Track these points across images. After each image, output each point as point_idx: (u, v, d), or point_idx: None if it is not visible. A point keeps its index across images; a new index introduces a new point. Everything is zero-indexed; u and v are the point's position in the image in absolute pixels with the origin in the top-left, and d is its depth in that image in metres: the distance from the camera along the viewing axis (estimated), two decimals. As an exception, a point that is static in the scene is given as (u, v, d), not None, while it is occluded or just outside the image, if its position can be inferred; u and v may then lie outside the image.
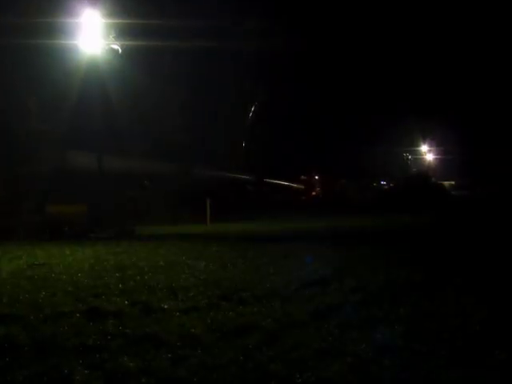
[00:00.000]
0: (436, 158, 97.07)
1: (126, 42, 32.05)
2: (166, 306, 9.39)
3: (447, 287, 10.35)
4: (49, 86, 36.99)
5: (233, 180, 61.85)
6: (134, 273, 13.15)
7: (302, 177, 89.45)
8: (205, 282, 11.64)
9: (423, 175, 72.80)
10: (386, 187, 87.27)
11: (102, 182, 32.13)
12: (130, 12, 34.89)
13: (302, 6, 65.43)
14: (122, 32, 31.35)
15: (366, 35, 75.25)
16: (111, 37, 30.30)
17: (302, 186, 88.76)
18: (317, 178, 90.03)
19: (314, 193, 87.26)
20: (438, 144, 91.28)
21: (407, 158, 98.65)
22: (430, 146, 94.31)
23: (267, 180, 73.78)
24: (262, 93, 65.50)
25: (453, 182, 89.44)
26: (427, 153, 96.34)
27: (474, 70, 77.98)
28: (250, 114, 66.79)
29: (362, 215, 40.38)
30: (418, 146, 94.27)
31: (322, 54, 72.80)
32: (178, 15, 43.43)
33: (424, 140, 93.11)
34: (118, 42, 30.52)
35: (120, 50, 30.81)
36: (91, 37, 29.74)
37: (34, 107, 39.06)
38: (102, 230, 26.91)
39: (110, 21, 30.40)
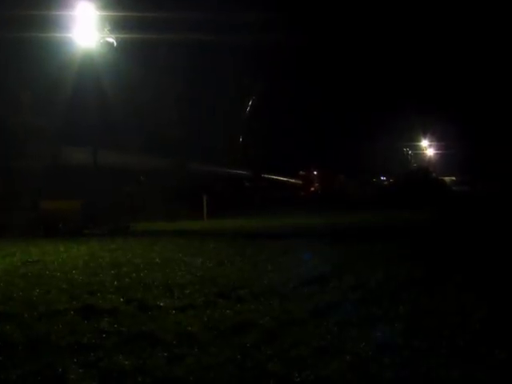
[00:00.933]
0: (437, 153, 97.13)
1: (122, 35, 32.03)
2: (161, 304, 9.39)
3: (447, 284, 10.36)
4: (43, 80, 36.96)
5: (230, 175, 61.81)
6: (129, 270, 13.16)
7: (301, 172, 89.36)
8: (201, 280, 11.64)
9: (423, 170, 72.76)
10: (386, 183, 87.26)
11: (96, 177, 32.14)
12: (125, 4, 34.84)
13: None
14: (117, 25, 31.33)
15: (366, 30, 75.30)
16: (106, 30, 30.29)
17: (301, 182, 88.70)
18: (316, 173, 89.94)
19: (312, 188, 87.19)
20: (439, 139, 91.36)
21: (407, 153, 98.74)
22: (431, 140, 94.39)
23: (265, 175, 73.73)
24: (260, 85, 65.47)
25: (454, 178, 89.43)
26: (428, 148, 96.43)
27: (477, 64, 78.00)
28: (248, 108, 66.76)
29: (362, 211, 40.37)
30: (419, 140, 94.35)
31: (322, 48, 72.83)
32: (175, 7, 43.37)
33: (424, 135, 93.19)
34: (113, 35, 30.51)
35: (115, 43, 30.80)
36: (86, 30, 29.73)
37: (28, 101, 39.01)
38: (96, 227, 26.90)
39: (104, 13, 30.38)
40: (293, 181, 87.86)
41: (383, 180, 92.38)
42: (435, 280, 10.89)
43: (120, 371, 6.31)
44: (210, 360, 6.58)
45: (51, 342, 7.42)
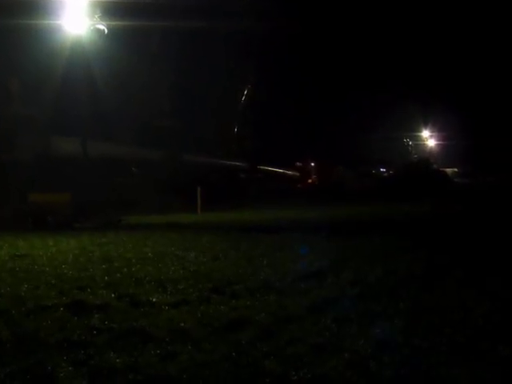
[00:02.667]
0: (438, 144, 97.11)
1: (112, 22, 31.94)
2: (154, 300, 9.38)
3: (448, 279, 10.38)
4: (31, 68, 36.86)
5: (225, 167, 61.79)
6: (120, 264, 13.14)
7: (298, 163, 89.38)
8: (195, 275, 11.64)
9: (424, 162, 72.78)
10: (386, 174, 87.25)
11: (87, 169, 32.12)
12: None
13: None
14: (107, 11, 31.23)
15: (363, 15, 75.12)
16: (96, 16, 30.20)
17: (298, 173, 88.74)
18: (313, 164, 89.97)
19: (310, 180, 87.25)
20: (440, 129, 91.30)
21: (408, 144, 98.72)
22: (432, 131, 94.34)
23: (261, 167, 73.74)
24: (254, 74, 65.41)
25: (456, 169, 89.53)
26: (429, 138, 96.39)
27: (480, 53, 78.01)
28: (243, 98, 66.68)
29: (361, 204, 40.40)
30: (419, 131, 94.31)
31: (318, 35, 72.69)
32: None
33: (425, 125, 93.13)
34: (103, 22, 30.41)
35: (106, 31, 30.72)
36: (76, 16, 29.61)
37: (17, 90, 38.95)
38: (87, 220, 26.87)
39: (95, -1, 30.27)
40: (289, 172, 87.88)
41: (383, 171, 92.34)
42: (435, 275, 10.91)
43: (111, 369, 6.29)
44: (204, 357, 6.57)
45: (40, 339, 7.40)
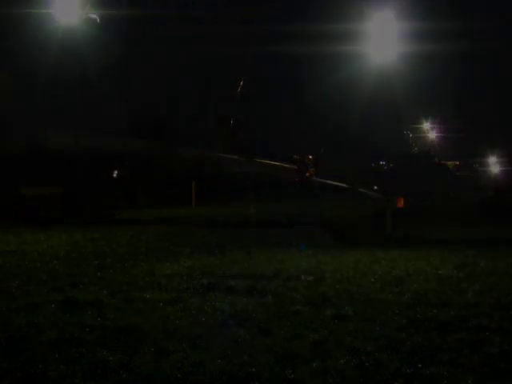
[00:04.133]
0: (439, 136, 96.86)
1: (105, 12, 31.83)
2: (148, 296, 9.38)
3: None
4: (21, 59, 36.75)
5: (220, 160, 61.71)
6: (113, 260, 13.15)
7: (295, 156, 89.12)
8: (190, 270, 11.64)
9: (424, 154, 72.66)
10: (385, 168, 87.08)
11: (80, 162, 32.05)
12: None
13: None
14: (99, 0, 31.13)
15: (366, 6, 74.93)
16: (89, 6, 30.06)
17: (295, 167, 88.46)
18: (311, 157, 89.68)
19: (307, 174, 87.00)
20: (442, 121, 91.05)
21: (408, 136, 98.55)
22: (433, 123, 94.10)
23: (257, 160, 73.59)
24: (251, 67, 65.37)
25: (457, 162, 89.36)
26: (429, 130, 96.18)
27: (481, 46, 77.90)
28: (239, 89, 66.60)
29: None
30: (420, 123, 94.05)
31: (318, 26, 72.60)
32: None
33: (426, 117, 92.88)
34: (95, 12, 30.29)
35: (98, 20, 30.59)
36: (67, 5, 29.48)
37: (7, 82, 38.83)
38: (79, 214, 26.83)
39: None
40: (287, 166, 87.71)
41: (382, 165, 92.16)
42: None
43: (104, 367, 6.25)
44: (200, 355, 6.55)
45: (31, 336, 7.37)
